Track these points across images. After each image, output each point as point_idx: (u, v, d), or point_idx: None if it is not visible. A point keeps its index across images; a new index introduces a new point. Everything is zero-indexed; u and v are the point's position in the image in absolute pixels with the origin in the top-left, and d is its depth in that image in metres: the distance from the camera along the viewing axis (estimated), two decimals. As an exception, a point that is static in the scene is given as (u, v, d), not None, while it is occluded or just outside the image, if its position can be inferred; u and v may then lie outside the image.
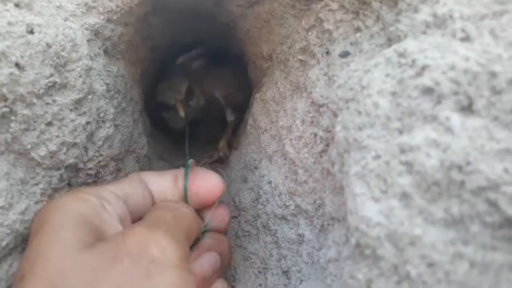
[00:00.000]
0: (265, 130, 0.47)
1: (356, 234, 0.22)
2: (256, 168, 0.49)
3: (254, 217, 0.47)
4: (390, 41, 0.29)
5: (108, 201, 0.30)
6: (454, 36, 0.24)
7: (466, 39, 0.23)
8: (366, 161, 0.23)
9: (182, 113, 0.60)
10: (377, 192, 0.22)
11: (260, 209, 0.45)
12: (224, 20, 0.50)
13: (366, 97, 0.25)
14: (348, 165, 0.25)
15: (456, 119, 0.21)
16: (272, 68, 0.47)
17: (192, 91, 0.65)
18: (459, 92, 0.21)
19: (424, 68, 0.22)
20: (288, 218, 0.40)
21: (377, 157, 0.23)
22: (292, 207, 0.39)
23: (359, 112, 0.25)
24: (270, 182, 0.43)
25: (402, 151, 0.22)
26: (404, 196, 0.21)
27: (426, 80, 0.22)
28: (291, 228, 0.40)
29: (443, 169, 0.20)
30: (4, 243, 0.29)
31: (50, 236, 0.26)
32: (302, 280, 0.36)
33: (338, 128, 0.28)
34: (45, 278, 0.24)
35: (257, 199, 0.47)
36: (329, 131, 0.31)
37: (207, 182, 0.36)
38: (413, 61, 0.23)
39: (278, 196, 0.42)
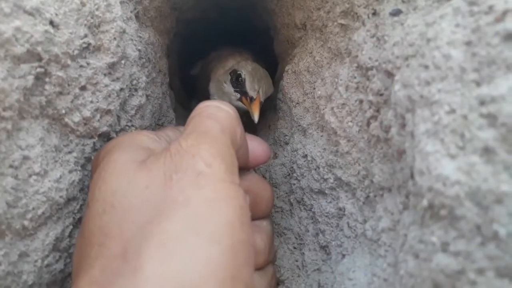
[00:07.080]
0: (297, 103, 0.45)
1: (429, 194, 0.21)
2: (287, 143, 0.47)
3: (287, 193, 0.45)
4: (451, -6, 0.27)
5: (160, 136, 0.32)
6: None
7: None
8: (439, 116, 0.21)
9: (257, 116, 0.51)
10: (454, 149, 0.20)
11: (294, 184, 0.43)
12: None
13: (434, 49, 0.23)
14: (413, 124, 0.23)
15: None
16: (306, 37, 0.45)
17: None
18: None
19: (505, 13, 0.20)
20: (326, 192, 0.38)
21: (452, 111, 0.21)
22: (331, 180, 0.37)
23: (426, 67, 0.23)
24: (305, 156, 0.41)
25: (482, 103, 0.20)
26: (486, 151, 0.19)
27: (509, 25, 0.20)
28: (330, 202, 0.38)
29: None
30: (40, 211, 0.28)
31: (108, 162, 0.27)
32: (344, 255, 0.34)
33: (397, 87, 0.26)
34: (103, 200, 0.25)
35: (289, 174, 0.45)
36: (381, 95, 0.29)
37: (258, 145, 0.34)
38: (490, 7, 0.21)
39: (315, 169, 0.40)
